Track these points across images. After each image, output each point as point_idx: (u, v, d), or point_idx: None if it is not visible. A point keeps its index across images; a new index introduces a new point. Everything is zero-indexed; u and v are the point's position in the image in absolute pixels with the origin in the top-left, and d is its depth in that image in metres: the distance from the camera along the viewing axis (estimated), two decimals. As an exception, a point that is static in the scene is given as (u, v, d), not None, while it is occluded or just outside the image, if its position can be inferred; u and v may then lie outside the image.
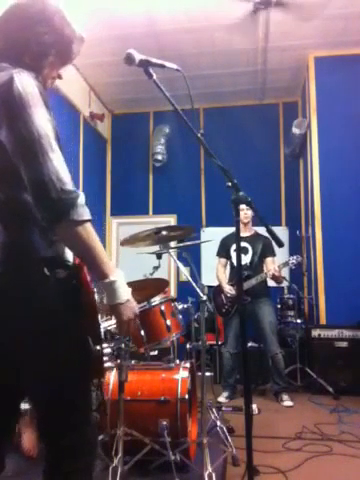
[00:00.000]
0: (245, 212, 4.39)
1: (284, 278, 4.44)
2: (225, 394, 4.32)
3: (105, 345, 1.38)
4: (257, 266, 4.39)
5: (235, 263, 4.50)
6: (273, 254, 4.43)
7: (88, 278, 1.28)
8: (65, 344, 1.24)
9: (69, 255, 1.29)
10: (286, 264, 4.23)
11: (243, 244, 4.42)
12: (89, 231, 1.19)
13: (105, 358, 1.33)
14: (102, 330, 1.33)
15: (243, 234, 4.46)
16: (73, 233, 1.18)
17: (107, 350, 1.38)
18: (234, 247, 4.49)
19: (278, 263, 4.32)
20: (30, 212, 1.19)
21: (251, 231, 4.49)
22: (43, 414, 1.30)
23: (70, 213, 1.15)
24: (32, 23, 1.34)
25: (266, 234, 4.34)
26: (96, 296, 1.38)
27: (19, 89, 1.18)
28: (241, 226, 4.48)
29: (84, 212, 1.18)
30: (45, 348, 1.22)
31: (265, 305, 4.33)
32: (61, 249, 1.28)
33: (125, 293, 1.27)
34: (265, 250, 4.40)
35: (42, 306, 1.22)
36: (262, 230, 4.45)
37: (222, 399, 4.25)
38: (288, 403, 4.18)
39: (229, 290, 4.35)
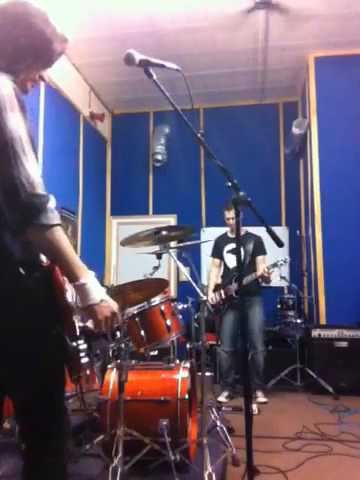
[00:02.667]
0: (230, 221, 4.39)
1: (271, 279, 4.42)
2: (225, 394, 4.33)
3: (81, 342, 1.38)
4: (249, 265, 4.40)
5: (228, 264, 4.55)
6: (264, 253, 4.43)
7: (60, 279, 1.30)
8: (42, 342, 1.27)
9: (43, 257, 1.32)
10: (275, 265, 4.23)
11: (235, 245, 4.41)
12: (58, 235, 1.22)
13: (82, 354, 1.35)
14: (77, 327, 1.34)
15: (233, 235, 4.47)
16: (42, 237, 1.20)
17: (83, 346, 1.38)
18: (227, 248, 4.52)
19: (268, 262, 4.33)
20: (3, 215, 1.20)
21: (242, 231, 4.48)
22: (21, 407, 1.34)
23: (39, 217, 1.17)
24: (10, 26, 1.35)
25: (256, 233, 4.35)
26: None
27: None
28: (229, 229, 4.52)
29: (54, 216, 1.20)
30: (23, 346, 1.26)
31: (256, 304, 4.33)
32: (36, 251, 1.31)
33: (97, 294, 1.29)
34: (256, 249, 4.40)
35: (19, 306, 1.24)
36: (260, 230, 4.48)
37: (222, 399, 4.26)
38: (262, 399, 4.26)
39: (211, 299, 4.37)
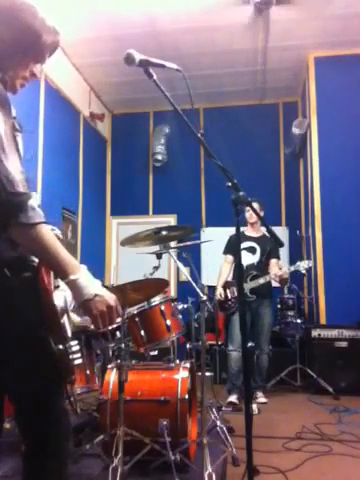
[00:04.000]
0: (251, 212, 4.37)
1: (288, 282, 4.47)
2: (235, 396, 4.18)
3: (73, 343, 1.35)
4: (264, 266, 4.41)
5: (242, 262, 4.52)
6: (278, 256, 4.46)
7: (46, 279, 1.26)
8: (25, 345, 1.25)
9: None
10: (297, 267, 4.25)
11: (251, 244, 4.44)
12: (42, 233, 1.18)
13: (75, 356, 1.33)
14: (67, 329, 1.30)
15: (251, 234, 4.47)
16: (24, 236, 1.18)
17: (74, 348, 1.36)
18: (242, 246, 4.45)
19: (281, 265, 4.35)
20: None
21: (259, 232, 4.47)
22: (17, 407, 1.34)
23: (19, 216, 1.14)
24: (2, 25, 1.31)
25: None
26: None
27: None
28: (248, 226, 4.49)
29: (35, 215, 1.17)
30: (7, 348, 1.25)
31: (267, 306, 4.35)
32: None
33: (91, 289, 1.24)
34: (272, 251, 4.41)
35: (2, 307, 1.23)
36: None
37: (233, 399, 4.12)
38: (262, 400, 4.25)
39: (219, 294, 4.35)
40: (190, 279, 2.66)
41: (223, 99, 6.40)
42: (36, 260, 1.28)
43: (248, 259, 4.42)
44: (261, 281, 4.23)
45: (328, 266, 5.05)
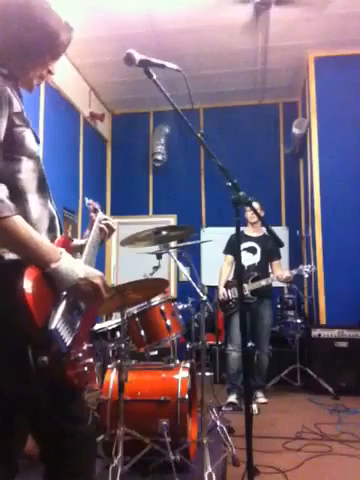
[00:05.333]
0: (252, 213, 4.37)
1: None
2: (234, 396, 4.19)
3: (77, 350, 1.24)
4: (265, 267, 4.41)
5: (242, 262, 4.52)
6: (280, 257, 4.47)
7: (26, 275, 1.13)
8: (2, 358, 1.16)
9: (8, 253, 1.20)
10: (300, 271, 4.27)
11: (252, 244, 4.44)
12: (12, 225, 1.11)
13: (80, 363, 1.20)
14: (62, 335, 1.16)
15: (252, 234, 4.47)
16: None
17: (78, 354, 1.24)
18: (243, 246, 4.45)
19: (282, 266, 4.40)
20: None
21: (260, 232, 4.48)
22: (29, 423, 1.30)
23: None
24: (11, 23, 1.29)
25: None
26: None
27: None
28: (249, 226, 4.49)
29: (3, 208, 1.10)
30: None
31: (267, 306, 4.36)
32: None
33: (74, 273, 1.18)
34: (274, 252, 4.41)
35: None
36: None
37: (233, 399, 4.13)
38: (262, 400, 4.25)
39: (222, 294, 4.35)
40: (190, 279, 2.66)
41: (223, 99, 6.40)
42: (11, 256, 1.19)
43: (249, 259, 4.42)
44: (263, 283, 4.23)
45: (328, 266, 5.05)
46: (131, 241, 2.80)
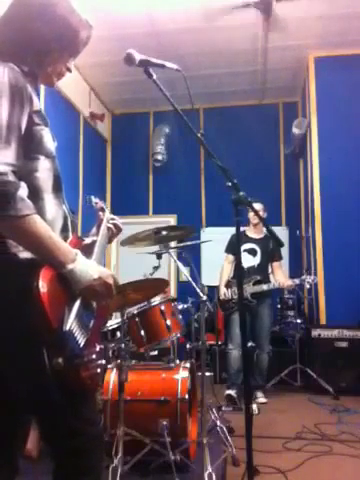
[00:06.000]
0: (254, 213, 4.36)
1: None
2: (233, 391, 4.20)
3: (90, 351, 1.20)
4: (265, 269, 4.41)
5: (242, 262, 4.53)
6: (281, 258, 4.47)
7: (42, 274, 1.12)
8: (16, 359, 1.15)
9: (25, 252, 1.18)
10: (302, 281, 4.29)
11: (252, 246, 4.43)
12: (32, 225, 1.10)
13: (92, 364, 1.19)
14: (76, 337, 1.15)
15: (253, 235, 4.46)
16: (13, 229, 1.10)
17: (92, 356, 1.23)
18: (243, 247, 4.45)
19: (282, 267, 4.45)
20: None
21: (261, 233, 4.47)
22: (37, 421, 1.31)
23: (6, 207, 1.07)
24: (33, 20, 1.29)
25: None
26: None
27: None
28: (250, 227, 4.48)
29: (24, 206, 1.09)
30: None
31: (267, 306, 4.37)
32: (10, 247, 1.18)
33: (88, 275, 1.19)
34: (274, 254, 4.41)
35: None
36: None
37: (231, 392, 4.15)
38: (262, 400, 4.25)
39: (224, 294, 4.36)
40: (190, 279, 2.66)
41: (223, 99, 6.40)
42: (26, 256, 1.17)
43: (248, 261, 4.41)
44: (265, 288, 4.24)
45: (328, 266, 5.05)
46: (131, 241, 2.80)
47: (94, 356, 1.21)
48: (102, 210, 1.62)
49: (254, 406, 3.88)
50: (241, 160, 6.04)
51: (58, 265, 1.15)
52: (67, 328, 1.11)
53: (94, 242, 1.47)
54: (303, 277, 4.33)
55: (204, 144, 1.66)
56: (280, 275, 4.43)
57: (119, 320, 2.72)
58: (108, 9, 4.47)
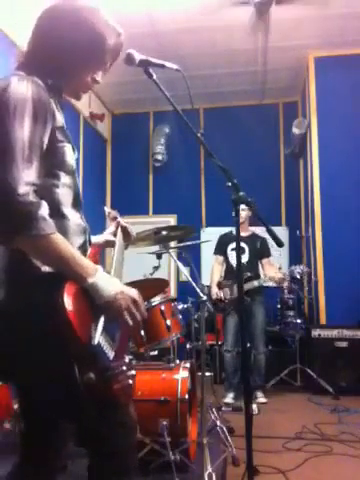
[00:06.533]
0: (240, 212, 4.36)
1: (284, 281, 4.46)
2: (231, 395, 4.26)
3: (118, 364, 1.20)
4: (254, 266, 4.41)
5: (231, 262, 4.54)
6: (269, 254, 4.46)
7: (72, 301, 1.12)
8: (46, 375, 1.16)
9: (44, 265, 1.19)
10: (292, 273, 4.26)
11: (240, 244, 4.42)
12: (53, 244, 1.11)
13: (121, 377, 1.19)
14: (105, 352, 1.17)
15: (240, 234, 4.45)
16: (35, 247, 1.11)
17: (122, 368, 1.20)
18: (231, 246, 4.49)
19: (273, 263, 4.37)
20: None
21: (248, 231, 4.49)
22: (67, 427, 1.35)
23: (29, 227, 1.06)
24: (55, 30, 1.27)
25: (263, 234, 4.32)
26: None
27: (8, 95, 1.13)
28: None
29: (46, 226, 1.09)
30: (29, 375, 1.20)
31: (259, 304, 4.35)
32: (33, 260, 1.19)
33: (110, 289, 1.18)
34: (262, 250, 4.42)
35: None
36: (261, 230, 4.49)
37: (229, 400, 4.19)
38: (262, 400, 4.25)
39: (215, 294, 4.35)
40: (190, 279, 2.66)
41: (223, 99, 6.40)
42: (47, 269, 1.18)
43: None
44: (255, 284, 4.23)
45: (328, 266, 5.05)
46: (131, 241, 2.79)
47: (124, 368, 1.20)
48: (114, 219, 1.62)
49: (254, 406, 3.89)
50: (241, 160, 6.04)
51: (80, 280, 1.16)
52: (95, 342, 1.12)
53: (104, 245, 1.54)
54: (292, 268, 4.32)
55: (204, 144, 1.66)
56: (270, 271, 4.39)
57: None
58: (108, 9, 4.46)
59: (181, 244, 3.53)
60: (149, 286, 2.76)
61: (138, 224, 5.84)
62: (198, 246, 6.08)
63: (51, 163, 1.22)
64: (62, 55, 1.28)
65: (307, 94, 5.58)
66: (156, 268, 3.67)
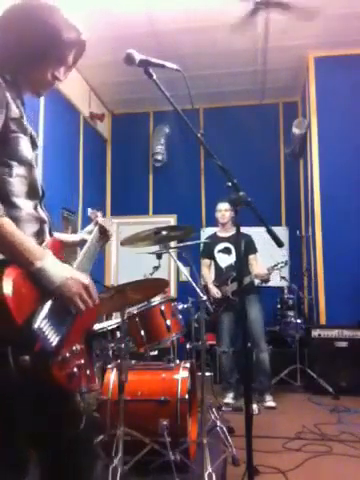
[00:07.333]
0: (222, 213, 4.36)
1: (270, 279, 4.38)
2: (230, 395, 4.23)
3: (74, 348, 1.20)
4: (243, 264, 4.36)
5: (220, 264, 4.51)
6: (255, 251, 4.39)
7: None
8: None
9: None
10: (275, 267, 4.20)
11: (226, 245, 4.41)
12: (1, 226, 1.12)
13: (72, 363, 1.18)
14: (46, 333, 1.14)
15: (224, 235, 4.43)
16: None
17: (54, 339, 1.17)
18: (218, 247, 4.44)
19: (265, 261, 4.33)
20: None
21: (231, 231, 4.38)
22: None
23: None
24: (13, 28, 1.30)
25: (246, 232, 4.29)
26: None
27: None
28: (220, 227, 4.47)
29: None
30: None
31: (254, 302, 4.25)
32: None
33: (59, 274, 1.18)
34: (248, 248, 4.34)
35: None
36: (260, 230, 4.47)
37: (229, 400, 4.16)
38: (271, 404, 4.11)
39: (216, 293, 4.28)
40: (190, 279, 2.66)
41: (223, 99, 6.40)
42: None
43: (225, 260, 4.40)
44: (247, 280, 4.15)
45: (328, 266, 5.05)
46: (131, 241, 2.80)
47: (68, 355, 1.18)
48: (96, 223, 1.62)
49: (254, 406, 3.87)
50: (241, 160, 6.04)
51: (26, 264, 1.15)
52: (36, 325, 1.10)
53: (79, 243, 1.50)
54: (276, 263, 4.21)
55: (204, 144, 1.66)
56: (256, 267, 4.31)
57: (119, 320, 2.72)
58: (108, 9, 4.47)
59: (181, 244, 3.53)
60: (149, 286, 2.75)
61: (138, 224, 5.87)
62: (198, 246, 6.05)
63: (3, 152, 1.24)
64: (16, 50, 1.30)
65: (307, 94, 5.58)
66: (156, 268, 3.68)
